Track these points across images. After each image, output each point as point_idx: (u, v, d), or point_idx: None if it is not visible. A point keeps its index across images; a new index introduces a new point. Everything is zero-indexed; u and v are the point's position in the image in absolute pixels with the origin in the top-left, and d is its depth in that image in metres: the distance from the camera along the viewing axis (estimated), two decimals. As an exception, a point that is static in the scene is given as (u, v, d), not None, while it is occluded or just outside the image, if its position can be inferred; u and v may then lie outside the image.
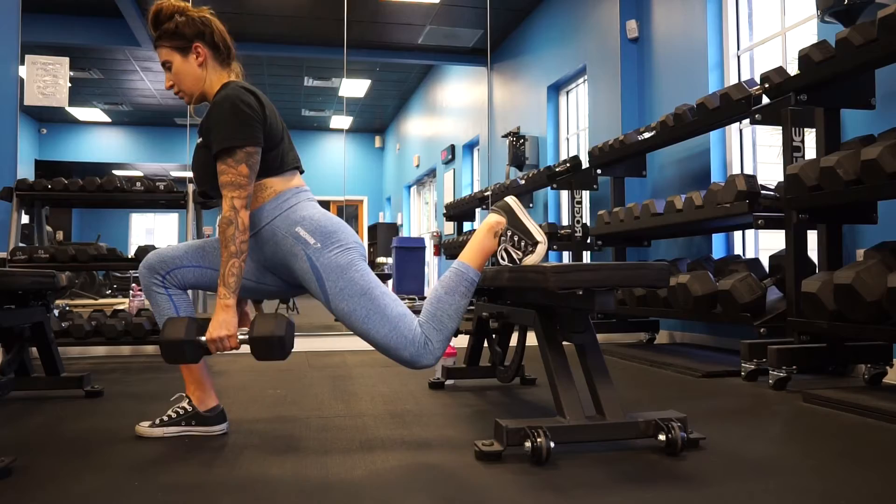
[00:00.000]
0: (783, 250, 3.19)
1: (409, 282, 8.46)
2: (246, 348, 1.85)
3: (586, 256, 5.43)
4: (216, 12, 2.02)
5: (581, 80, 6.40)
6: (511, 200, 2.03)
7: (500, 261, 2.05)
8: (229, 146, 1.82)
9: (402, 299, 7.73)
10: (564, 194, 6.64)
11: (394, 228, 10.76)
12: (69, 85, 4.86)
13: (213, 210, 5.08)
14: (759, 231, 4.19)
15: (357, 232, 2.06)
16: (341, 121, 11.02)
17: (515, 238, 2.00)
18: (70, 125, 11.57)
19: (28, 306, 2.61)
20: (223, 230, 1.80)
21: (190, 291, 2.14)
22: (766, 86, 3.24)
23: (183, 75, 1.98)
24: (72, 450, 1.87)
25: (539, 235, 1.99)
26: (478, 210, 7.54)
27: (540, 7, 6.98)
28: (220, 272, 1.81)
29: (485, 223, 2.05)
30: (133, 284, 7.14)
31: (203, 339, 1.80)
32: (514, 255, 2.01)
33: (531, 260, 1.99)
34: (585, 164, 5.13)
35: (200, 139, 1.94)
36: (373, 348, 1.94)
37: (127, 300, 6.39)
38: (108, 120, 11.51)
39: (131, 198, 4.51)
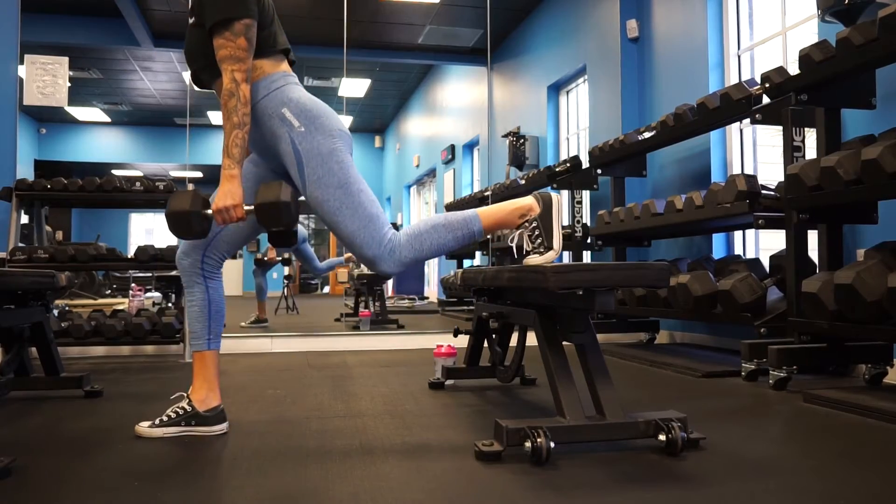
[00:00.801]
0: (783, 250, 3.19)
1: (409, 282, 8.45)
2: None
3: (586, 256, 5.42)
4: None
5: (581, 80, 6.40)
6: (555, 198, 1.99)
7: (509, 242, 2.03)
8: (226, 18, 1.83)
9: (402, 299, 7.63)
10: (564, 194, 6.63)
11: (394, 228, 10.74)
12: (69, 85, 4.85)
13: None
14: (760, 231, 4.19)
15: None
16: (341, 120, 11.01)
17: (536, 232, 1.97)
18: (69, 125, 11.56)
19: (27, 306, 2.61)
20: (225, 102, 1.82)
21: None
22: (767, 85, 3.24)
23: None
24: (71, 450, 1.87)
25: (557, 243, 1.96)
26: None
27: (540, 7, 6.98)
28: (224, 143, 1.82)
29: (521, 201, 2.00)
30: (133, 284, 7.14)
31: (209, 211, 1.81)
32: (525, 247, 1.99)
33: (536, 260, 1.96)
34: (585, 164, 5.13)
35: (192, 19, 1.94)
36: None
37: (126, 300, 6.40)
38: (108, 120, 11.51)
39: (131, 198, 4.50)
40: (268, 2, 1.96)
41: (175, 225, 1.81)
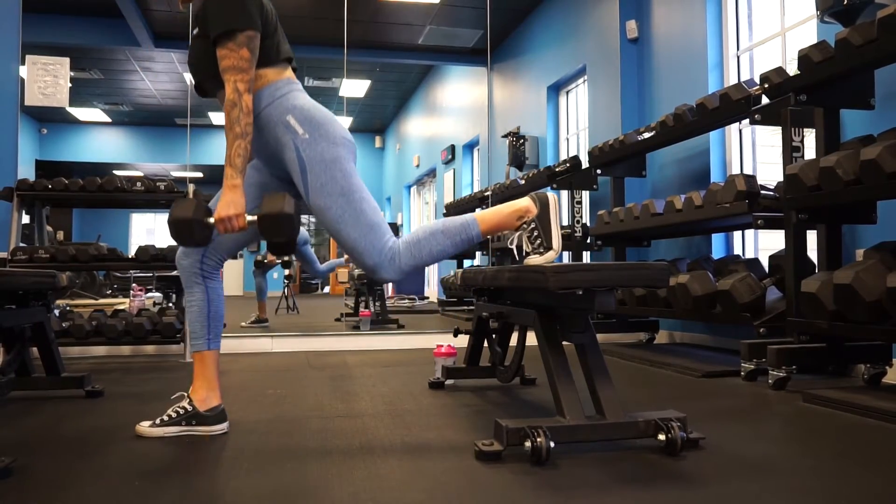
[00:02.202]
0: (783, 250, 3.20)
1: (409, 282, 8.46)
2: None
3: (586, 256, 5.43)
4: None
5: (581, 80, 6.40)
6: (552, 198, 2.00)
7: (509, 244, 2.04)
8: (229, 29, 1.84)
9: (402, 299, 7.63)
10: (564, 194, 6.63)
11: (394, 228, 10.76)
12: (69, 85, 4.86)
13: (213, 210, 5.09)
14: (759, 231, 4.19)
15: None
16: (341, 121, 11.02)
17: (535, 233, 1.98)
18: (70, 125, 11.57)
19: (28, 306, 2.61)
20: (228, 112, 1.83)
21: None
22: (766, 86, 3.25)
23: None
24: (72, 450, 1.88)
25: (556, 243, 1.97)
26: (478, 210, 7.53)
27: (540, 7, 6.98)
28: (226, 153, 1.83)
29: (517, 203, 2.01)
30: (134, 284, 7.15)
31: (211, 220, 1.82)
32: (525, 248, 2.00)
33: (536, 261, 1.97)
34: (585, 164, 5.13)
35: (197, 30, 1.95)
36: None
37: (127, 300, 6.40)
38: (109, 120, 11.51)
39: (132, 198, 4.51)
40: (271, 12, 1.97)
41: (177, 232, 1.82)
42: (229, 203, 1.82)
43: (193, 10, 1.99)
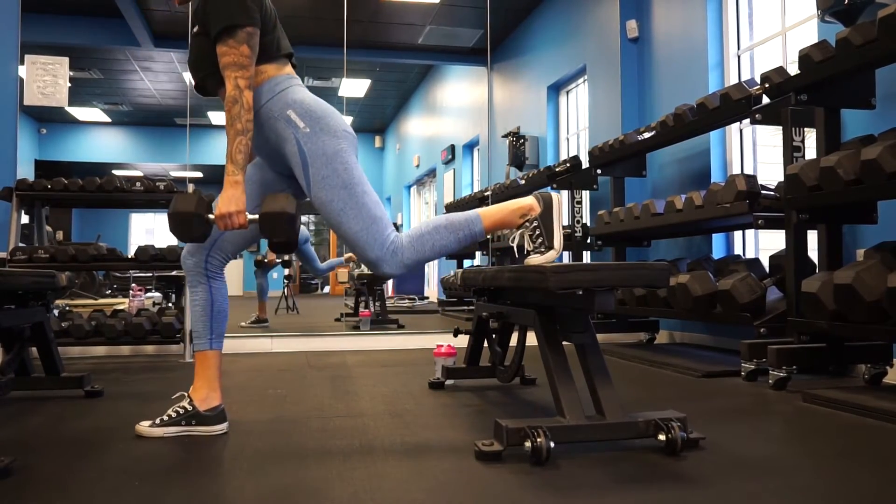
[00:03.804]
0: (783, 250, 3.19)
1: (409, 282, 8.45)
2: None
3: (586, 256, 5.43)
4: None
5: (581, 80, 6.40)
6: (556, 198, 1.99)
7: (510, 242, 2.04)
8: (230, 25, 1.84)
9: (402, 299, 7.62)
10: (564, 194, 6.63)
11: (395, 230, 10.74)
12: (69, 85, 4.85)
13: (213, 210, 5.09)
14: (759, 231, 4.19)
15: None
16: (341, 120, 11.01)
17: (537, 231, 1.97)
18: (70, 125, 11.56)
19: (28, 306, 2.61)
20: (229, 109, 1.83)
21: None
22: (767, 86, 3.24)
23: None
24: (72, 450, 1.87)
25: (558, 243, 1.96)
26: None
27: (540, 7, 6.98)
28: (227, 150, 1.83)
29: (521, 201, 2.00)
30: (133, 284, 7.14)
31: (211, 216, 1.82)
32: (526, 246, 1.99)
33: (536, 260, 1.97)
34: (585, 164, 5.13)
35: (197, 27, 1.96)
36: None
37: (127, 300, 6.40)
38: (108, 120, 11.50)
39: (131, 198, 4.50)
40: (270, 8, 1.98)
41: (176, 226, 1.82)
42: (230, 199, 1.82)
43: (193, 7, 2.00)
